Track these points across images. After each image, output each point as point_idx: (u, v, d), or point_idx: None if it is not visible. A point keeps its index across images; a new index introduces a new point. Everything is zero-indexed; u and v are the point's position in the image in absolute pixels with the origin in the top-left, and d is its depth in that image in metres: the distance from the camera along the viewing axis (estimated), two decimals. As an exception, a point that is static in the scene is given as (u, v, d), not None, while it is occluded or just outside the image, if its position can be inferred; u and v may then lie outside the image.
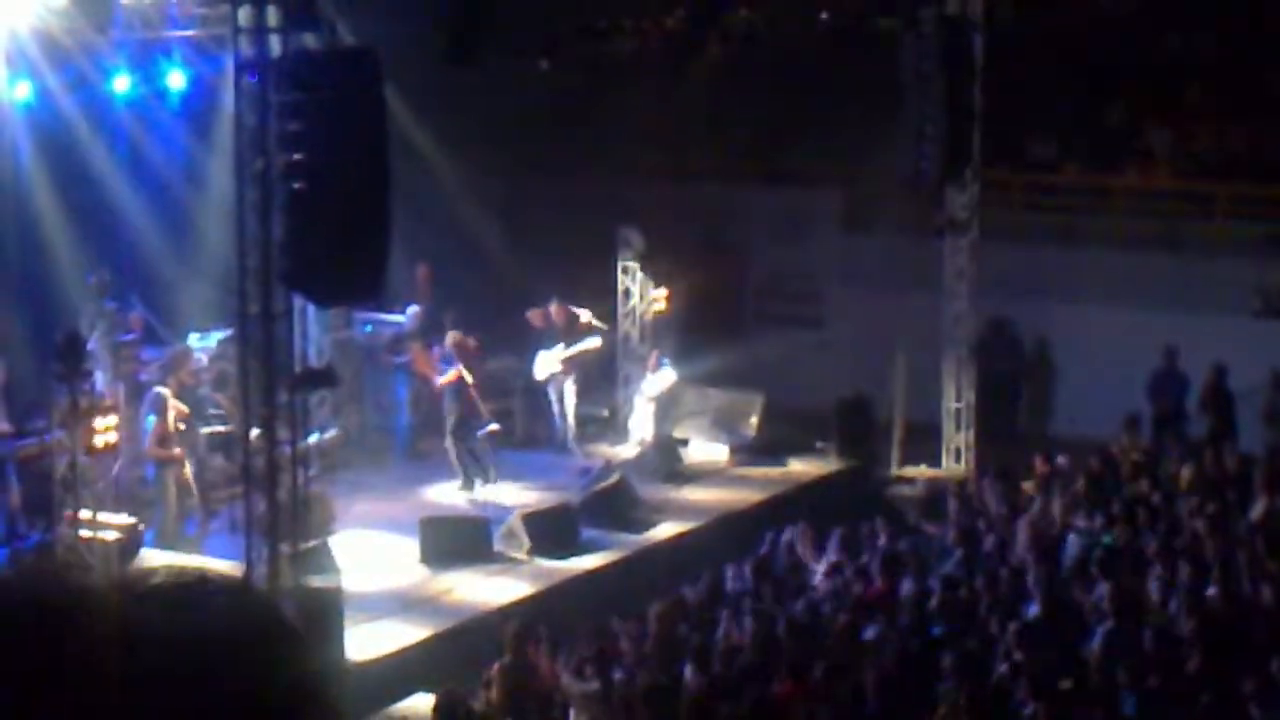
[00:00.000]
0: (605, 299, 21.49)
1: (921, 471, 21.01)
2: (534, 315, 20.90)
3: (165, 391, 17.08)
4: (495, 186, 23.29)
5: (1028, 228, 24.38)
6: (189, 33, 17.11)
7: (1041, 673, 12.36)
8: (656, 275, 21.70)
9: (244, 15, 14.09)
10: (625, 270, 21.67)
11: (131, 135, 19.76)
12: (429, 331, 20.30)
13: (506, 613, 15.27)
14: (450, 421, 19.15)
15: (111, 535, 15.69)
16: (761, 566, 15.95)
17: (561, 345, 20.71)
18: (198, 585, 1.58)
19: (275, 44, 14.14)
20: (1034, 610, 14.05)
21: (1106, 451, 18.83)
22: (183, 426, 17.24)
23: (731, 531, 18.15)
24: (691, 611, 14.94)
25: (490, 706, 13.07)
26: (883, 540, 16.60)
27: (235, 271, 14.56)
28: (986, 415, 21.79)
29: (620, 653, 13.92)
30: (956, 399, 21.48)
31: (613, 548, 17.65)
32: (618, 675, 13.28)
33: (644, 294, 21.71)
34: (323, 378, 15.98)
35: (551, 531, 17.40)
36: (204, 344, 18.68)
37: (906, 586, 14.99)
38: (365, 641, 14.78)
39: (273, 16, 14.01)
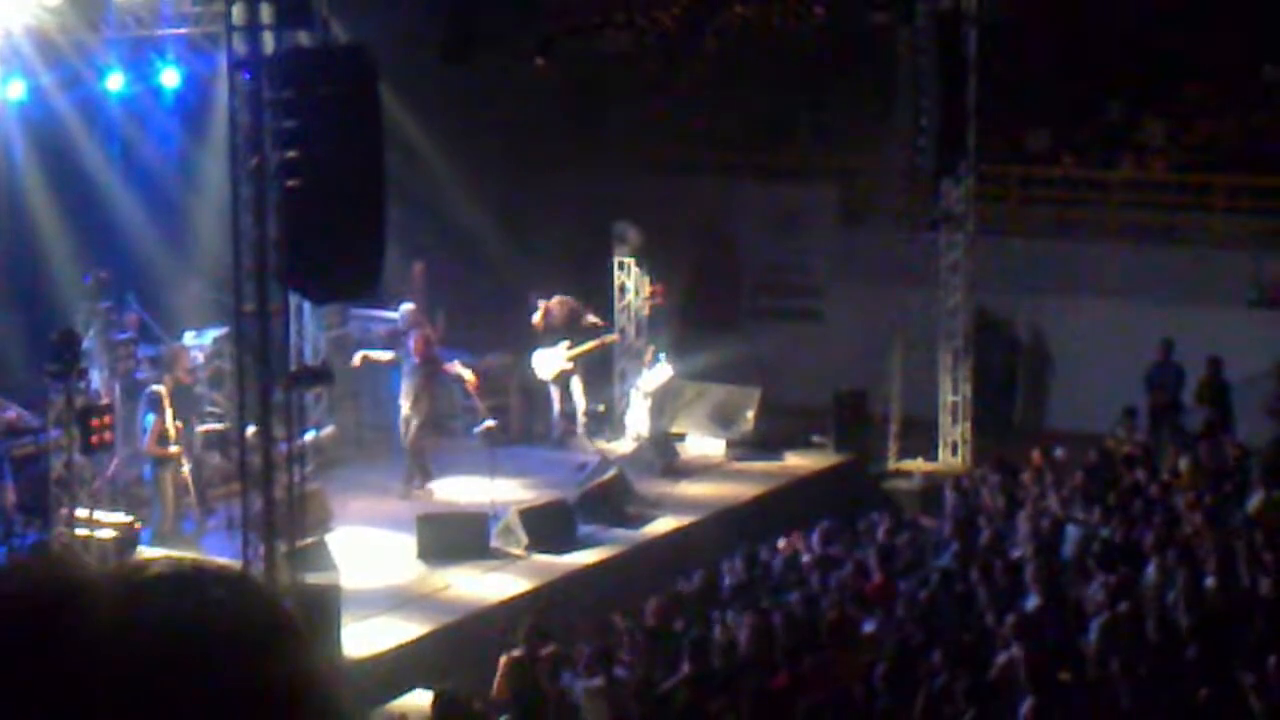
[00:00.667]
0: (602, 295, 21.47)
1: (919, 465, 21.02)
2: (537, 321, 20.78)
3: (162, 390, 17.07)
4: (491, 183, 23.25)
5: (1024, 221, 24.41)
6: (183, 30, 17.09)
7: (1040, 664, 12.35)
8: (653, 270, 21.67)
9: (238, 13, 14.06)
10: (621, 266, 21.65)
11: (125, 133, 19.75)
12: (422, 327, 20.21)
13: (518, 608, 15.25)
14: (424, 412, 18.95)
15: (108, 534, 15.70)
16: (757, 560, 15.94)
17: (565, 342, 20.65)
18: (196, 576, 1.56)
19: (269, 41, 14.12)
20: (1032, 602, 14.04)
21: (1103, 444, 18.82)
22: (180, 424, 17.24)
23: (729, 526, 18.15)
24: (687, 606, 14.93)
25: (494, 700, 13.06)
26: (881, 534, 16.60)
27: (230, 269, 14.55)
28: (983, 408, 21.79)
29: (622, 649, 13.90)
30: (953, 392, 21.48)
31: (610, 543, 17.64)
32: (620, 672, 13.26)
33: (640, 289, 21.69)
34: (318, 375, 15.95)
35: (548, 527, 17.39)
36: (199, 342, 18.67)
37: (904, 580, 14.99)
38: (363, 638, 14.77)
39: (266, 14, 13.98)
